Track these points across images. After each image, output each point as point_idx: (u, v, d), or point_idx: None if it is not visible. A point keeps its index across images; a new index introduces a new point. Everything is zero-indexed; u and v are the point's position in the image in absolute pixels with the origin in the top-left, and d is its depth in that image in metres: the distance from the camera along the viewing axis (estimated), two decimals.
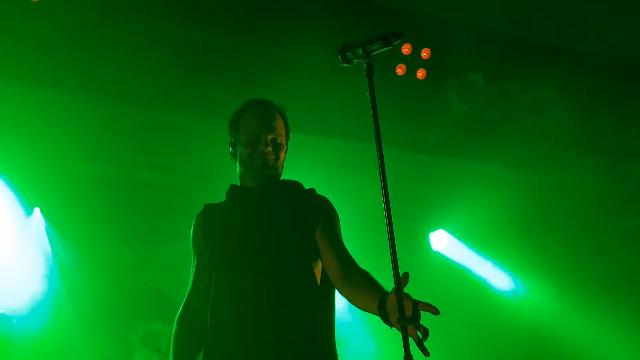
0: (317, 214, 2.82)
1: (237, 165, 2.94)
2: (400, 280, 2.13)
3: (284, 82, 4.81)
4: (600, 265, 7.40)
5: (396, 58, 5.25)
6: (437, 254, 7.98)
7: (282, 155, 2.89)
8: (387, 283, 2.36)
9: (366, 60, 2.31)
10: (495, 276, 8.08)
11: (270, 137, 2.86)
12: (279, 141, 2.89)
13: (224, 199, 3.00)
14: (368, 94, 2.37)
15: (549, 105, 5.40)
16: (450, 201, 6.94)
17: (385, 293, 2.34)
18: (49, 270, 6.25)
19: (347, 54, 2.34)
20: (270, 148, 2.85)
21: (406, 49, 5.28)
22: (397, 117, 5.47)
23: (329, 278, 2.71)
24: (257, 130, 2.86)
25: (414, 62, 5.28)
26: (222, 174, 6.22)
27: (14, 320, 5.24)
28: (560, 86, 5.49)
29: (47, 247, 6.29)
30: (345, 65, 2.38)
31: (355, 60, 2.35)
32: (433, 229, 7.90)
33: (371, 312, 2.41)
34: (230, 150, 2.98)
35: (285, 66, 4.91)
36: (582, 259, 7.45)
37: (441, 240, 7.97)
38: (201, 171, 6.23)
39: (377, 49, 2.29)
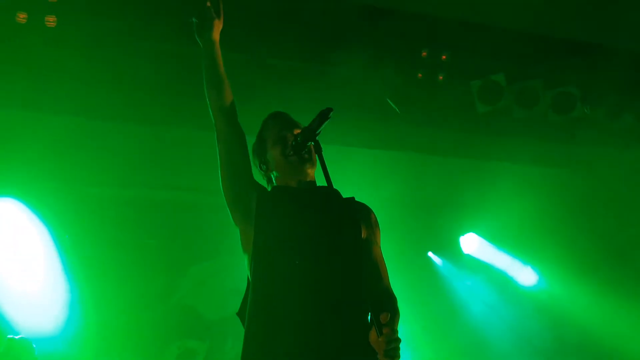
0: (370, 224, 2.83)
1: (274, 176, 2.85)
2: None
3: (307, 92, 4.82)
4: (633, 263, 7.29)
5: (417, 63, 5.21)
6: (468, 257, 7.93)
7: (312, 148, 2.78)
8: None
9: (312, 142, 2.65)
10: (527, 277, 8.00)
11: (295, 131, 2.83)
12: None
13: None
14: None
15: (573, 102, 5.31)
16: (480, 204, 6.88)
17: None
18: (78, 295, 6.28)
19: (301, 142, 2.70)
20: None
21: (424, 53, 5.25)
22: (421, 121, 5.43)
23: None
24: (280, 130, 2.84)
25: (434, 65, 5.23)
26: None
27: (34, 345, 5.25)
28: (584, 82, 5.41)
29: (75, 274, 6.32)
30: (298, 153, 2.73)
31: (308, 144, 2.70)
32: (463, 233, 7.85)
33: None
34: (263, 168, 2.89)
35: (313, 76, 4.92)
36: (615, 257, 7.33)
37: (472, 243, 7.92)
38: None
39: (318, 127, 2.61)
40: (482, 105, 5.30)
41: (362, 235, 2.74)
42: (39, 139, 5.33)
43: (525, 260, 7.96)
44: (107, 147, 5.57)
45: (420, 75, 5.24)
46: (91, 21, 4.35)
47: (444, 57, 5.26)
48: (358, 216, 2.79)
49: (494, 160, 6.17)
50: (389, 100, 5.30)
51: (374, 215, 2.88)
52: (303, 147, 2.69)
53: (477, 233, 7.87)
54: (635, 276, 7.09)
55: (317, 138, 2.63)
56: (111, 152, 5.64)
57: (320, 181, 2.74)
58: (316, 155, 2.73)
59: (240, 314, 2.72)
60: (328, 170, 2.58)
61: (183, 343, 6.50)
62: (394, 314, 2.52)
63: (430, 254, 7.80)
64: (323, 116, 2.59)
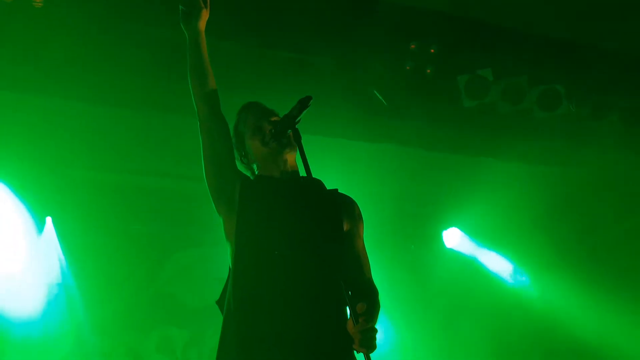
0: (353, 216, 2.83)
1: (256, 167, 2.88)
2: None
3: (294, 84, 4.80)
4: (615, 260, 7.35)
5: (405, 55, 5.20)
6: (451, 251, 7.96)
7: (291, 134, 2.76)
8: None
9: (291, 130, 2.65)
10: (509, 272, 8.05)
11: (272, 119, 2.83)
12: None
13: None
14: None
15: (559, 100, 5.33)
16: (463, 199, 6.91)
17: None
18: (62, 278, 6.26)
19: (281, 129, 2.69)
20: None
21: (413, 46, 5.24)
22: (408, 114, 5.43)
23: None
24: (257, 119, 2.85)
25: (423, 58, 5.23)
26: None
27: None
28: (570, 80, 5.43)
29: (60, 256, 6.29)
30: (278, 140, 2.72)
31: (288, 132, 2.69)
32: (446, 227, 7.88)
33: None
34: (244, 161, 2.91)
35: (300, 67, 4.90)
36: (597, 253, 7.39)
37: (454, 238, 7.96)
38: None
39: (298, 115, 2.63)
40: (469, 100, 5.31)
41: (344, 228, 2.75)
42: (22, 120, 5.28)
43: (507, 256, 8.01)
44: (94, 130, 5.53)
45: (408, 67, 5.24)
46: (80, 1, 4.30)
47: (432, 50, 5.26)
48: (340, 208, 2.80)
49: (479, 155, 6.18)
50: (376, 92, 5.29)
51: (358, 207, 2.89)
52: (282, 134, 2.69)
53: (459, 228, 7.90)
54: (616, 273, 7.15)
55: (296, 127, 2.65)
56: (98, 136, 5.61)
57: (303, 171, 2.73)
58: (295, 144, 2.73)
59: (220, 302, 2.73)
60: (309, 161, 2.58)
61: (163, 330, 6.49)
62: (372, 305, 2.56)
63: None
64: (303, 104, 2.61)
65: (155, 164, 6.15)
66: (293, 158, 2.82)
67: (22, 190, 6.03)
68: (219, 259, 6.64)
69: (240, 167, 2.88)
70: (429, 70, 5.29)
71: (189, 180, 6.26)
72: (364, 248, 2.82)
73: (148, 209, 6.43)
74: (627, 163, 6.37)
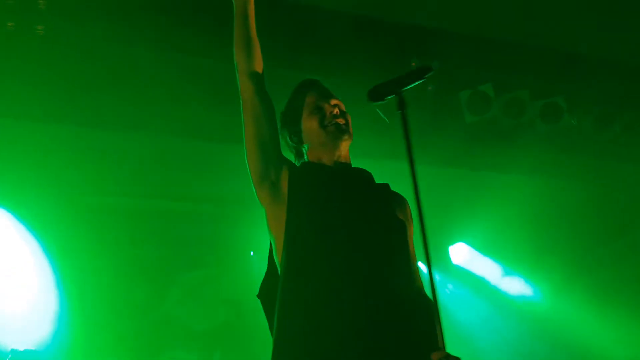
0: (405, 213, 2.67)
1: (305, 149, 2.68)
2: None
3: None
4: (626, 271, 7.31)
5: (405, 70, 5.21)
6: (457, 267, 7.92)
7: (350, 120, 2.66)
8: None
9: (398, 95, 2.33)
10: (517, 287, 8.00)
11: (332, 102, 2.67)
12: (342, 108, 2.70)
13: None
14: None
15: (560, 113, 5.34)
16: (469, 213, 6.89)
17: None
18: (66, 306, 6.23)
19: (380, 92, 2.36)
20: (337, 110, 2.65)
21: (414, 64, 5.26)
22: (411, 131, 5.42)
23: None
24: (316, 99, 2.67)
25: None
26: (234, 200, 6.27)
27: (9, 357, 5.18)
28: (571, 93, 5.45)
29: (61, 284, 6.26)
30: (378, 102, 2.39)
31: (388, 97, 2.37)
32: (452, 242, 7.84)
33: None
34: (294, 140, 2.70)
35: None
36: (606, 265, 7.36)
37: (461, 253, 7.92)
38: (213, 198, 6.19)
39: (409, 84, 2.34)
40: (471, 115, 5.32)
41: (399, 225, 2.58)
42: (19, 146, 5.29)
43: (515, 270, 7.96)
44: (97, 154, 5.54)
45: (429, 88, 5.26)
46: (84, 25, 4.31)
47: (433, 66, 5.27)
48: (394, 202, 2.66)
49: (482, 170, 6.18)
50: (378, 110, 5.30)
51: (409, 206, 2.71)
52: (382, 97, 2.38)
53: (466, 243, 7.87)
54: (623, 286, 7.11)
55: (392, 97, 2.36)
56: (101, 160, 5.61)
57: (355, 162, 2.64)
58: (351, 128, 2.62)
59: (264, 295, 2.54)
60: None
61: (171, 355, 6.44)
62: (437, 324, 2.33)
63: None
64: (421, 72, 2.34)
65: (157, 186, 6.15)
66: (347, 147, 2.67)
67: (24, 217, 6.03)
68: (224, 280, 6.66)
69: (284, 149, 2.70)
70: (430, 87, 5.32)
71: (191, 202, 6.27)
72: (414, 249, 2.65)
73: (150, 232, 6.41)
74: (631, 174, 6.37)
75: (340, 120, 2.63)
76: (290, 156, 2.74)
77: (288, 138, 2.73)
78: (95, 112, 4.79)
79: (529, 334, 7.53)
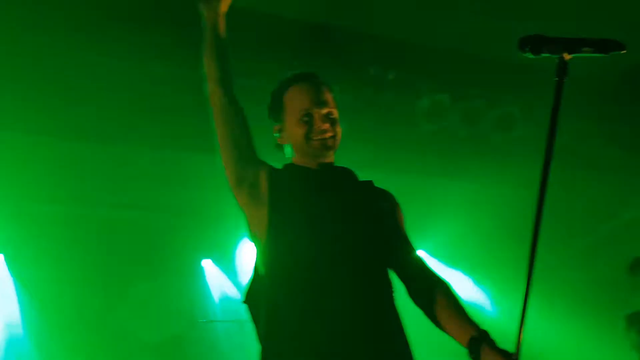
0: (396, 210, 2.63)
1: (288, 150, 2.62)
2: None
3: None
4: (572, 277, 7.46)
5: (364, 80, 5.24)
6: None
7: (339, 131, 2.56)
8: None
9: (561, 58, 1.96)
10: (476, 295, 8.08)
11: (324, 111, 2.54)
12: (334, 116, 2.56)
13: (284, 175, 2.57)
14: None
15: (514, 122, 5.42)
16: (427, 221, 6.92)
17: (479, 330, 2.30)
18: (15, 317, 6.07)
19: (542, 48, 1.95)
20: (327, 124, 2.53)
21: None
22: (368, 139, 5.44)
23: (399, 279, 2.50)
24: (308, 106, 2.52)
25: (381, 83, 5.27)
26: (188, 210, 6.19)
27: None
28: (525, 102, 5.54)
29: (13, 294, 6.11)
30: (529, 55, 2.00)
31: (546, 55, 1.98)
32: None
33: (453, 337, 2.35)
34: (277, 135, 2.63)
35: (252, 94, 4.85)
36: (556, 271, 7.48)
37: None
38: (167, 207, 6.10)
39: (584, 53, 1.97)
40: (427, 124, 5.35)
41: (387, 223, 2.56)
42: None
43: (470, 277, 8.04)
44: (48, 163, 5.40)
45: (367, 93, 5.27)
46: (29, 32, 4.22)
47: (390, 76, 5.31)
48: (379, 198, 2.62)
49: (439, 177, 6.23)
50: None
51: (396, 199, 2.67)
52: (537, 54, 1.95)
53: (425, 250, 7.91)
54: (570, 291, 7.25)
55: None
56: (52, 169, 5.47)
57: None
58: (337, 141, 2.55)
59: (250, 300, 2.48)
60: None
61: None
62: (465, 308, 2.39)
63: None
64: (602, 48, 1.96)
65: (109, 195, 6.03)
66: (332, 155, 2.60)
67: None
68: (177, 291, 6.56)
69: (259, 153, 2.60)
70: (387, 96, 5.34)
71: (144, 211, 6.16)
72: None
73: (102, 242, 6.28)
74: (584, 180, 6.49)
75: (328, 135, 2.53)
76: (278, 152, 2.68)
77: (274, 129, 2.64)
78: (44, 120, 4.68)
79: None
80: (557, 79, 1.96)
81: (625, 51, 1.96)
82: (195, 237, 6.24)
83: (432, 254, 7.91)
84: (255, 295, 2.47)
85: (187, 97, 4.68)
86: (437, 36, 5.34)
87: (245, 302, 2.50)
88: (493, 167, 5.94)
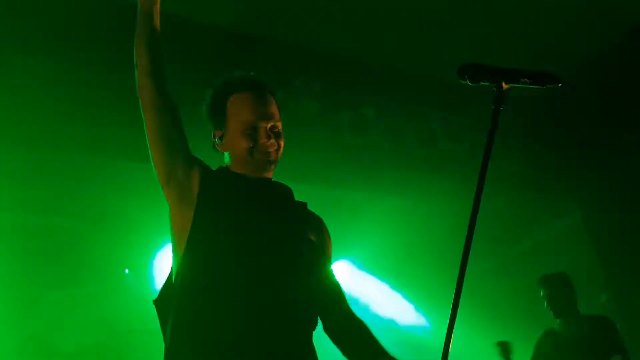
0: (325, 237, 2.61)
1: (227, 157, 2.55)
2: None
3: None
4: (500, 286, 7.63)
5: (289, 92, 5.26)
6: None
7: (282, 144, 2.50)
8: None
9: (499, 87, 2.01)
10: (400, 306, 8.16)
11: (269, 125, 2.47)
12: (279, 129, 2.51)
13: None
14: None
15: (436, 137, 5.55)
16: (351, 233, 6.97)
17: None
18: None
19: (481, 77, 2.01)
20: (272, 140, 2.47)
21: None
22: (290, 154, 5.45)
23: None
24: (254, 119, 2.45)
25: (306, 95, 5.31)
26: (110, 217, 6.06)
27: None
28: (448, 119, 5.68)
29: None
30: (467, 83, 2.04)
31: (483, 83, 2.03)
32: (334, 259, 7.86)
33: None
34: (216, 141, 2.54)
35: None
36: (476, 284, 7.63)
37: (342, 271, 7.98)
38: (87, 214, 5.96)
39: (522, 84, 2.02)
40: (352, 137, 5.42)
41: (317, 247, 2.53)
42: None
43: (394, 289, 8.11)
44: None
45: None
46: None
47: (315, 87, 5.35)
48: (310, 225, 2.58)
49: (362, 191, 6.30)
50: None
51: (326, 228, 2.66)
52: (476, 83, 2.02)
53: (349, 260, 7.95)
54: (497, 301, 7.41)
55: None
56: None
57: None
58: (280, 155, 2.49)
59: (159, 302, 2.40)
60: None
61: None
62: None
63: None
64: (538, 81, 2.01)
65: (29, 200, 5.84)
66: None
67: None
68: (96, 299, 6.40)
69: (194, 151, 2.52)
70: (312, 108, 5.37)
71: (63, 218, 6.00)
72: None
73: (18, 247, 6.07)
74: (505, 196, 6.67)
75: (272, 149, 2.47)
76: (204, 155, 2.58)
77: (213, 133, 2.56)
78: None
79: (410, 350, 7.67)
80: (493, 106, 1.98)
81: (561, 84, 2.02)
82: (115, 244, 6.11)
83: (357, 265, 7.97)
84: (165, 297, 2.39)
85: (111, 101, 4.61)
86: (363, 50, 5.43)
87: (154, 302, 2.43)
88: (416, 181, 6.05)
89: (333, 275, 2.58)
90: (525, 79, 2.00)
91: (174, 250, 2.41)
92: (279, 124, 2.51)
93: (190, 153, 2.44)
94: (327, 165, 5.70)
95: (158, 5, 2.50)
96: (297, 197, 2.61)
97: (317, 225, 2.61)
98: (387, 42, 5.31)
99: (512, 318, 7.14)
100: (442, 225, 7.12)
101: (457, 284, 1.99)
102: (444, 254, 7.46)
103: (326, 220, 2.70)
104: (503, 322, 7.12)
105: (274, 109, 2.51)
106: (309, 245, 2.49)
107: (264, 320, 2.24)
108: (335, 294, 2.54)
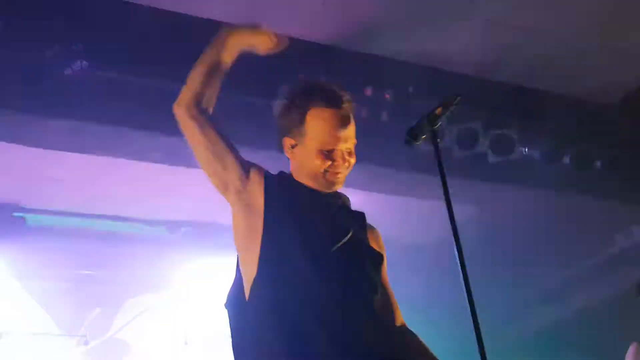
0: (380, 244, 2.62)
1: (294, 164, 2.55)
2: None
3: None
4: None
5: (360, 101, 5.21)
6: None
7: (354, 161, 2.50)
8: None
9: (433, 132, 2.39)
10: None
11: (346, 147, 2.47)
12: (353, 150, 2.50)
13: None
14: None
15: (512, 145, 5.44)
16: None
17: None
18: None
19: (416, 134, 2.42)
20: (347, 163, 2.47)
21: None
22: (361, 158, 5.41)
23: None
24: (334, 141, 2.43)
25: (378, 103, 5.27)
26: None
27: None
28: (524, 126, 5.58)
29: None
30: (416, 143, 2.45)
31: (423, 135, 2.42)
32: None
33: None
34: (287, 148, 2.52)
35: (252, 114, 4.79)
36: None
37: None
38: None
39: (440, 117, 2.39)
40: (424, 144, 5.33)
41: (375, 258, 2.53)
42: None
43: None
44: None
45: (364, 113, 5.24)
46: None
47: (387, 95, 5.30)
48: (371, 235, 2.59)
49: (435, 199, 6.21)
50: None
51: (381, 238, 2.64)
52: (418, 139, 2.43)
53: None
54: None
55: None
56: None
57: None
58: (349, 171, 2.50)
59: (231, 305, 2.42)
60: None
61: None
62: None
63: None
64: (446, 106, 2.39)
65: None
66: None
67: None
68: None
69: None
70: (383, 116, 5.32)
71: None
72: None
73: None
74: None
75: (345, 172, 2.49)
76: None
77: (283, 139, 2.52)
78: None
79: None
80: (434, 146, 2.39)
81: (459, 97, 2.39)
82: None
83: None
84: (235, 299, 2.39)
85: None
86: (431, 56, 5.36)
87: (226, 305, 2.42)
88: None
89: (388, 296, 2.58)
90: (441, 113, 2.40)
91: (243, 258, 2.40)
92: (354, 141, 2.50)
93: (242, 161, 2.43)
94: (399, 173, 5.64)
95: (229, 58, 2.54)
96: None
97: (375, 235, 2.61)
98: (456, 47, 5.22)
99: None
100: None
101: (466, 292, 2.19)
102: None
103: None
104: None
105: (352, 129, 2.48)
106: (375, 256, 2.51)
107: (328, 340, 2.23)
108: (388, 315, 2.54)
